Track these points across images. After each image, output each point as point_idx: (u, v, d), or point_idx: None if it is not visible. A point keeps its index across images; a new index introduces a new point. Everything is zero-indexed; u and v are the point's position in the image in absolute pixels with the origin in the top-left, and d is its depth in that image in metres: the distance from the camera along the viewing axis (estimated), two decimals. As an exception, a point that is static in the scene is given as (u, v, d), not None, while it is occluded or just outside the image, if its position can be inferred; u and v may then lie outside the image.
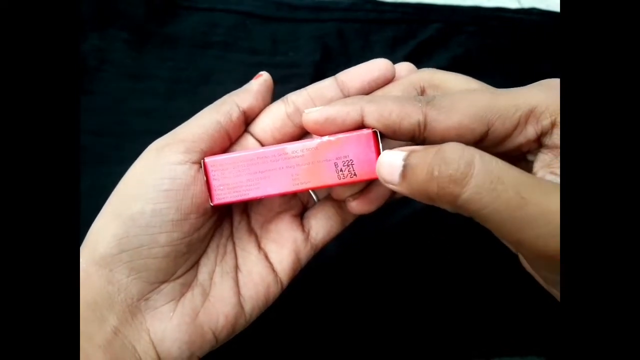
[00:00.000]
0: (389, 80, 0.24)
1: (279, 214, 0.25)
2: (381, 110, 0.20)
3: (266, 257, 0.24)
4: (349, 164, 0.21)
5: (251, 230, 0.25)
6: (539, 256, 0.16)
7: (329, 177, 0.21)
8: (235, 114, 0.23)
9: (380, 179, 0.20)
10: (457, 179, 0.17)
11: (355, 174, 0.21)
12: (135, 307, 0.21)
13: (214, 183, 0.22)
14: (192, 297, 0.22)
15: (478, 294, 0.36)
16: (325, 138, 0.21)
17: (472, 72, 0.25)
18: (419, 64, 0.48)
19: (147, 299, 0.21)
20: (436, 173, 0.17)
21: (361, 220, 0.38)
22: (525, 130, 0.20)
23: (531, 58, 0.49)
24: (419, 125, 0.20)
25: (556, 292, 0.20)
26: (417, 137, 0.20)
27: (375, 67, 0.23)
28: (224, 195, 0.22)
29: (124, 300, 0.21)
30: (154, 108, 0.43)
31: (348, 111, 0.21)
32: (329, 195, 0.26)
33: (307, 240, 0.25)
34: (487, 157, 0.17)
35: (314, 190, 0.24)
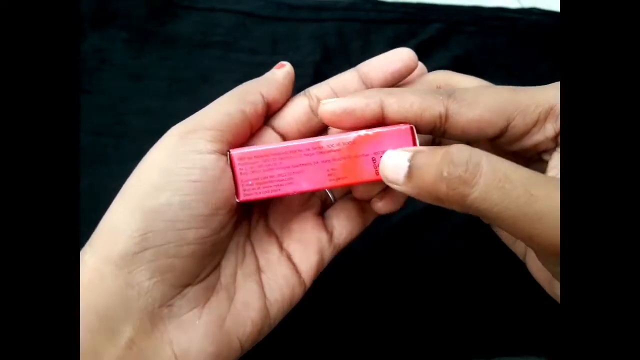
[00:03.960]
0: (411, 71, 0.23)
1: (299, 213, 0.24)
2: (402, 102, 0.20)
3: (289, 258, 0.23)
4: None
5: (271, 231, 0.24)
6: (551, 251, 0.16)
7: (366, 173, 0.21)
8: (260, 105, 0.22)
9: (383, 178, 0.20)
10: (466, 179, 0.17)
11: None
12: (156, 315, 0.18)
13: (242, 178, 0.20)
14: (218, 302, 0.20)
15: (479, 294, 0.36)
16: (363, 132, 0.20)
17: (472, 72, 0.25)
18: (419, 64, 0.48)
19: (170, 306, 0.19)
20: (445, 174, 0.17)
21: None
22: (544, 128, 0.19)
23: (531, 58, 0.49)
24: (440, 117, 0.20)
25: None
26: (438, 129, 0.20)
27: (398, 57, 0.23)
28: (252, 191, 0.21)
29: (144, 307, 0.18)
30: (153, 108, 0.43)
31: (367, 103, 0.20)
32: (348, 195, 0.25)
33: (331, 241, 0.24)
34: (494, 157, 0.17)
35: (349, 186, 0.23)
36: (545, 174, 0.19)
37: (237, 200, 0.21)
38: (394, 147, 0.20)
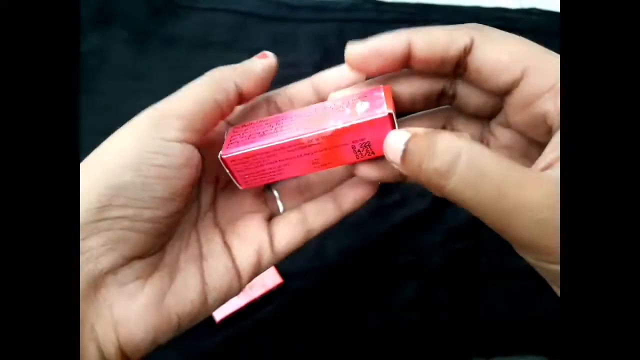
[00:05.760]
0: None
1: (249, 212, 0.25)
2: (428, 37, 0.20)
3: (230, 250, 0.24)
4: (366, 145, 0.21)
5: (217, 223, 0.25)
6: (520, 245, 0.17)
7: (348, 158, 0.21)
8: (232, 95, 0.22)
9: (386, 157, 0.20)
10: (442, 172, 0.17)
11: (373, 152, 0.21)
12: (100, 280, 0.19)
13: (239, 174, 0.22)
14: (161, 278, 0.21)
15: (479, 293, 0.36)
16: (340, 124, 0.21)
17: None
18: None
19: (115, 273, 0.20)
20: (424, 165, 0.18)
21: (361, 220, 0.38)
22: (557, 98, 0.19)
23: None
24: (465, 49, 0.20)
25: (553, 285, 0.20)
26: (461, 64, 0.20)
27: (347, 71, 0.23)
28: (251, 180, 0.22)
29: (91, 272, 0.19)
30: (154, 108, 0.43)
31: (394, 41, 0.20)
32: (296, 206, 0.25)
33: (271, 247, 0.24)
34: (476, 150, 0.17)
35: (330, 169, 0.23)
36: (530, 166, 0.19)
37: (240, 188, 0.23)
38: (374, 135, 0.21)
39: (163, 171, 0.20)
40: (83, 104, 0.41)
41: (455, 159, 0.17)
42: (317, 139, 0.21)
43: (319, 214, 0.25)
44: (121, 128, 0.21)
